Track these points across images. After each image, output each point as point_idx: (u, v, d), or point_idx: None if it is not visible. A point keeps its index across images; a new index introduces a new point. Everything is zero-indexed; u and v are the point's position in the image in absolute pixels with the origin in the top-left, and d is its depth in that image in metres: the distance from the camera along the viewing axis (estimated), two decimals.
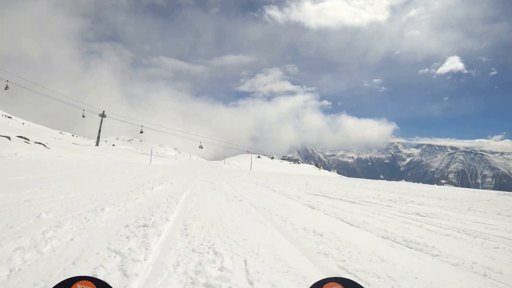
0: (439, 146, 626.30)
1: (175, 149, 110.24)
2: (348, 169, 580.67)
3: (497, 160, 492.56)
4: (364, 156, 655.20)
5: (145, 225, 3.10)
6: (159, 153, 55.78)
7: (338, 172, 58.66)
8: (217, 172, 16.63)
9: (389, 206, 5.66)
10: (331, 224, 3.87)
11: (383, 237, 3.28)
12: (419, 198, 7.12)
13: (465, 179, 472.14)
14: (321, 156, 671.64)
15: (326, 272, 2.18)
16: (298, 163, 55.29)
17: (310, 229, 3.41)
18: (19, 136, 19.68)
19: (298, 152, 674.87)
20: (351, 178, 20.94)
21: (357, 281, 1.24)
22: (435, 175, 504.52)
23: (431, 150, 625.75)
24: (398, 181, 16.38)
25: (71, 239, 2.51)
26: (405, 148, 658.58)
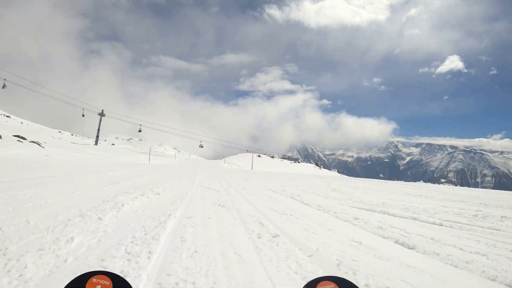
0: (439, 145, 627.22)
1: (175, 148, 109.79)
2: (347, 168, 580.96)
3: (496, 159, 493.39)
4: (363, 155, 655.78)
5: None
6: (159, 152, 55.41)
7: (338, 171, 58.26)
8: (219, 173, 16.01)
9: (490, 230, 3.74)
10: None
11: None
12: (500, 210, 5.29)
13: (465, 178, 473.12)
14: (321, 155, 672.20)
15: None
16: (298, 162, 54.89)
17: None
18: (15, 135, 19.23)
19: (298, 151, 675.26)
20: (355, 178, 20.46)
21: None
22: (435, 174, 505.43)
23: (430, 149, 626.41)
24: (398, 180, 15.95)
25: None
26: (405, 147, 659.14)
